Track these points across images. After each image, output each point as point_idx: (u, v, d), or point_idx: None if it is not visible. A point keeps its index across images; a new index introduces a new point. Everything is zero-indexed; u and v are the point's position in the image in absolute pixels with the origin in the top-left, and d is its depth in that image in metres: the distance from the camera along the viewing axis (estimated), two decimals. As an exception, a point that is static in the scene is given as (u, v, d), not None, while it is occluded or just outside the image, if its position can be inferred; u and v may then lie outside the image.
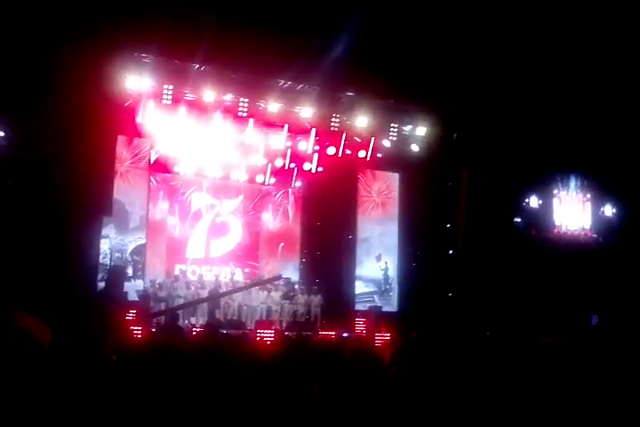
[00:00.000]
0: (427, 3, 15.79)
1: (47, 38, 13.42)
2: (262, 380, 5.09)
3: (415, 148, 19.68)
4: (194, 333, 13.94)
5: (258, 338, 14.04)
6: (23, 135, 14.44)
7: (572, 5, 15.67)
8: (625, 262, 19.90)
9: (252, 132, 18.47)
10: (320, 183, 20.21)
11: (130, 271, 16.81)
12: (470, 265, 19.08)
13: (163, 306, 16.39)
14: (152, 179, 18.62)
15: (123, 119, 16.31)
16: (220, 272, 19.21)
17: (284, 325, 17.30)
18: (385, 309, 18.98)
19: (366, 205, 20.09)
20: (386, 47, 16.44)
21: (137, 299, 16.10)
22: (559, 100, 18.70)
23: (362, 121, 18.88)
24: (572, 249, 21.46)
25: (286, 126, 18.71)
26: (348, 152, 19.50)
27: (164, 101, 16.91)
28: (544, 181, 22.01)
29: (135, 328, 12.92)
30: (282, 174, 20.46)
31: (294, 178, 20.82)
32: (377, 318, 17.23)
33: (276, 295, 17.87)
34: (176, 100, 17.07)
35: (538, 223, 21.84)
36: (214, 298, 16.77)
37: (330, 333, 15.34)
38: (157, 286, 16.95)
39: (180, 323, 15.25)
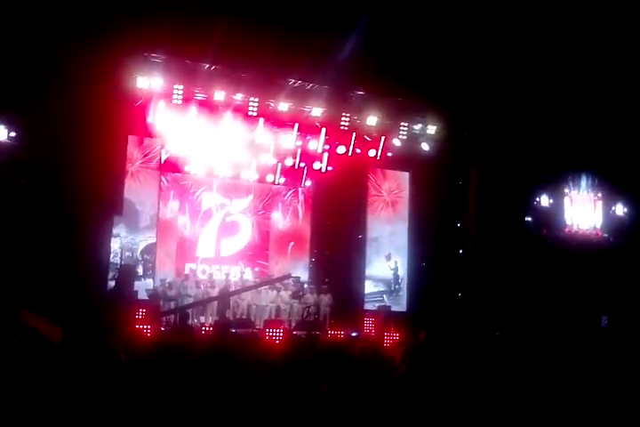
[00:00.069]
0: (436, 1, 15.75)
1: (59, 38, 13.49)
2: (271, 379, 5.10)
3: (425, 147, 19.64)
4: (203, 332, 14.00)
5: (267, 337, 14.05)
6: (34, 135, 14.51)
7: (583, 4, 15.59)
8: (636, 262, 19.79)
9: (262, 131, 18.49)
10: (330, 182, 20.19)
11: (140, 270, 16.88)
12: (480, 265, 19.03)
13: (172, 305, 16.44)
14: (162, 178, 18.68)
15: (133, 119, 16.38)
16: (230, 271, 19.23)
17: (293, 324, 17.30)
18: (394, 308, 18.94)
19: (376, 205, 20.07)
20: (395, 46, 16.41)
21: (147, 298, 16.17)
22: (570, 100, 18.61)
23: (372, 120, 18.86)
24: (583, 249, 21.36)
25: (296, 126, 18.72)
26: (358, 151, 19.48)
27: (175, 101, 16.95)
28: (555, 181, 21.91)
29: (145, 327, 12.98)
30: (292, 174, 20.46)
31: (304, 177, 20.82)
32: (386, 317, 17.20)
33: (286, 295, 17.87)
34: (186, 100, 17.11)
35: (549, 223, 21.74)
36: (224, 297, 16.80)
37: (339, 332, 15.35)
38: (167, 284, 17.00)
39: (190, 322, 15.31)
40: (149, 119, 17.04)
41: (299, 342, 8.10)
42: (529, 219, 21.36)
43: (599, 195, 22.71)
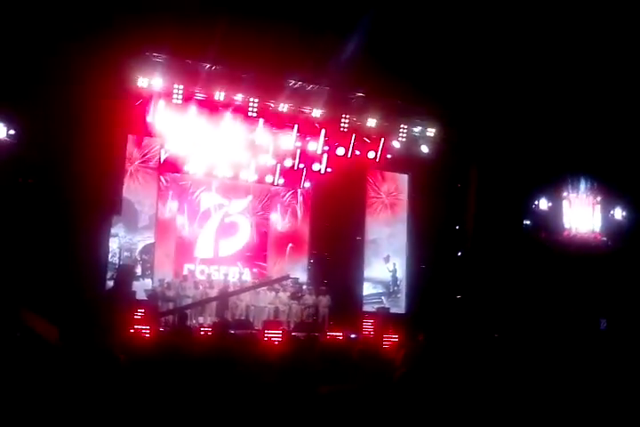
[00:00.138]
0: (437, 4, 15.75)
1: (59, 37, 13.46)
2: (270, 381, 5.08)
3: (424, 149, 19.66)
4: (202, 332, 13.97)
5: (266, 339, 14.03)
6: (33, 134, 14.49)
7: (582, 7, 15.59)
8: (635, 265, 19.78)
9: (261, 132, 18.51)
10: (329, 184, 20.19)
11: (139, 270, 16.85)
12: (479, 267, 19.02)
13: (171, 305, 16.41)
14: (162, 178, 18.66)
15: (133, 118, 16.36)
16: (229, 272, 19.22)
17: (292, 325, 17.28)
18: (393, 310, 18.96)
19: (375, 207, 20.09)
20: (396, 48, 16.41)
21: (145, 298, 16.15)
22: (569, 103, 18.61)
23: (371, 122, 18.87)
24: (581, 252, 21.35)
25: (296, 127, 18.74)
26: (358, 153, 19.51)
27: (175, 101, 16.96)
28: (554, 184, 21.91)
29: (143, 327, 12.95)
30: (291, 175, 20.45)
31: (303, 178, 20.81)
32: (385, 319, 17.21)
33: (284, 296, 17.86)
34: (186, 100, 17.12)
35: (547, 226, 21.74)
36: (222, 298, 16.78)
37: (337, 334, 15.34)
38: (166, 285, 16.97)
39: (189, 323, 15.29)
40: (149, 119, 17.05)
41: (298, 344, 8.08)
42: (527, 222, 21.36)
43: (598, 198, 22.70)
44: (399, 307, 19.64)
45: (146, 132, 17.18)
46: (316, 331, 14.95)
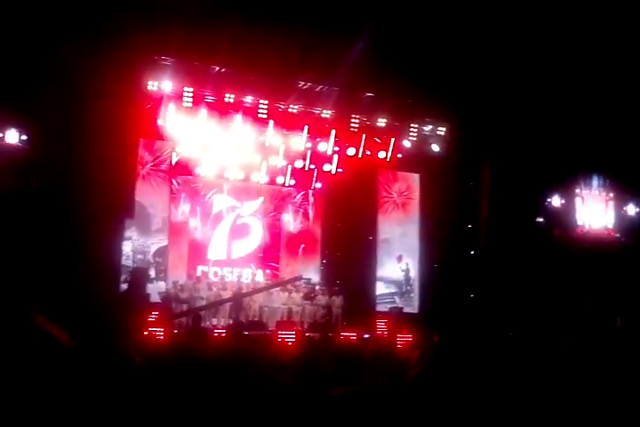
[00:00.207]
0: (444, 3, 15.72)
1: (69, 43, 13.54)
2: (284, 382, 5.09)
3: (435, 148, 19.62)
4: (216, 334, 14.00)
5: (279, 339, 14.05)
6: (45, 139, 14.58)
7: (595, 4, 15.52)
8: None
9: (271, 133, 18.53)
10: (340, 184, 20.19)
11: (152, 273, 16.92)
12: (492, 266, 18.97)
13: (185, 307, 16.46)
14: (173, 181, 18.72)
15: (144, 122, 16.42)
16: (242, 273, 19.26)
17: (305, 326, 17.29)
18: (406, 310, 18.92)
19: (387, 206, 20.06)
20: (405, 47, 16.39)
21: (159, 300, 16.20)
22: (582, 100, 18.53)
23: (382, 121, 18.85)
24: (594, 249, 21.27)
25: (306, 128, 18.73)
26: (368, 153, 19.49)
27: (185, 104, 17.01)
28: (566, 181, 21.83)
29: (157, 330, 12.99)
30: (302, 176, 20.46)
31: (314, 179, 20.81)
32: (398, 319, 17.17)
33: (297, 296, 17.87)
34: (197, 103, 17.18)
35: (560, 223, 21.67)
36: (236, 299, 16.82)
37: (351, 334, 15.32)
38: (179, 287, 17.02)
39: (203, 324, 15.33)
40: (160, 122, 17.11)
41: (311, 344, 8.08)
42: (540, 219, 21.30)
43: (611, 195, 22.62)
44: (412, 306, 19.61)
45: (157, 135, 17.24)
46: (329, 331, 14.93)
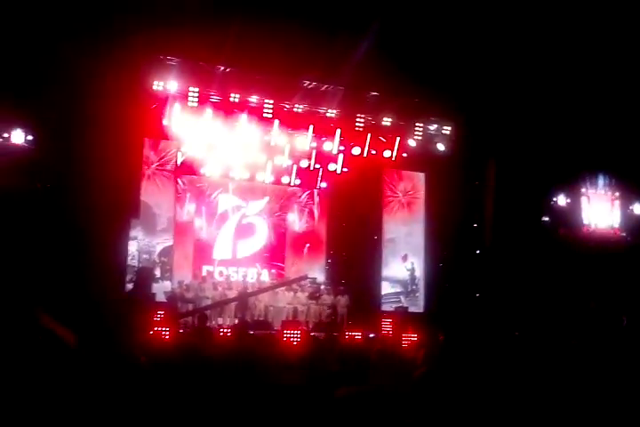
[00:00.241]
0: (449, 1, 15.70)
1: (74, 43, 13.56)
2: (289, 382, 5.10)
3: (441, 147, 19.59)
4: (221, 333, 14.02)
5: (285, 339, 14.05)
6: (51, 139, 14.61)
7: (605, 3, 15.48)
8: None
9: (277, 133, 18.52)
10: (345, 184, 20.19)
11: (158, 273, 16.95)
12: (498, 265, 18.93)
13: (190, 307, 16.49)
14: (179, 181, 18.75)
15: (149, 122, 16.44)
16: (247, 273, 19.29)
17: (311, 325, 17.30)
18: (411, 309, 18.91)
19: (392, 206, 20.04)
20: (410, 46, 16.36)
21: (164, 300, 16.23)
22: (587, 99, 18.48)
23: (387, 121, 18.84)
24: (600, 248, 21.22)
25: (311, 127, 18.73)
26: (374, 152, 19.47)
27: (190, 104, 17.03)
28: (572, 180, 21.78)
29: (163, 329, 13.01)
30: (307, 175, 20.47)
31: (319, 179, 20.82)
32: (403, 318, 17.14)
33: (303, 296, 17.89)
34: (202, 103, 17.18)
35: (566, 222, 21.62)
36: (241, 299, 16.84)
37: (356, 333, 15.32)
38: (185, 287, 17.06)
39: (208, 324, 15.35)
40: (165, 122, 17.13)
41: (317, 344, 8.09)
42: (546, 218, 21.25)
43: (616, 194, 22.56)
44: (418, 306, 19.59)
45: (162, 135, 17.26)
46: (334, 331, 14.93)
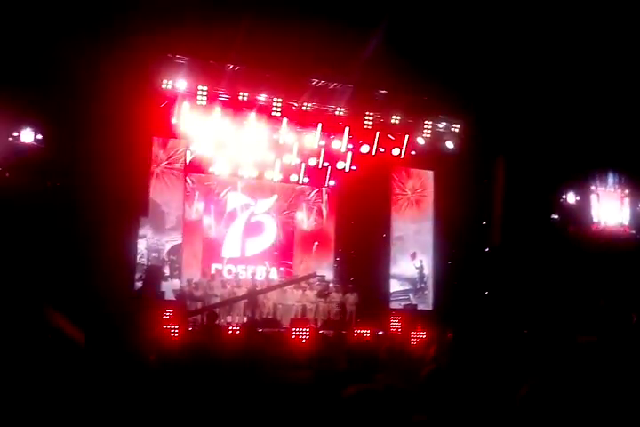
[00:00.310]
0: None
1: (83, 42, 13.59)
2: (298, 380, 5.10)
3: (450, 145, 19.55)
4: (230, 331, 14.06)
5: (293, 337, 14.07)
6: (60, 138, 14.65)
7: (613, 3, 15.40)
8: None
9: (285, 131, 18.52)
10: (354, 182, 20.18)
11: (167, 271, 17.00)
12: (507, 263, 18.89)
13: (199, 305, 16.53)
14: (188, 179, 18.77)
15: (158, 120, 16.47)
16: (256, 271, 19.31)
17: (319, 323, 17.31)
18: (420, 307, 18.91)
19: (400, 204, 20.02)
20: (419, 43, 16.33)
21: (174, 298, 16.28)
22: (597, 97, 18.40)
23: (395, 119, 18.81)
24: (610, 245, 21.15)
25: (320, 125, 18.72)
26: (382, 150, 19.44)
27: (199, 102, 17.05)
28: (581, 178, 21.71)
29: (172, 327, 13.05)
30: (316, 173, 20.47)
31: (328, 177, 20.82)
32: (412, 316, 17.14)
33: (311, 294, 17.90)
34: (211, 101, 17.20)
35: (575, 220, 21.55)
36: (250, 296, 16.86)
37: (365, 331, 15.32)
38: (194, 285, 17.09)
39: (217, 322, 15.39)
40: (174, 120, 17.16)
41: (325, 342, 8.09)
42: (555, 216, 21.18)
43: (626, 192, 22.48)
44: (426, 304, 19.57)
45: (171, 133, 17.30)
46: (343, 329, 14.95)
